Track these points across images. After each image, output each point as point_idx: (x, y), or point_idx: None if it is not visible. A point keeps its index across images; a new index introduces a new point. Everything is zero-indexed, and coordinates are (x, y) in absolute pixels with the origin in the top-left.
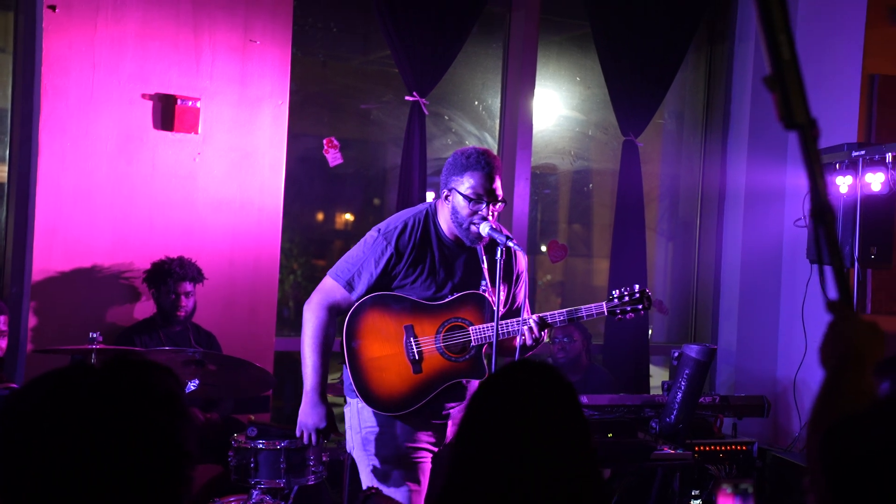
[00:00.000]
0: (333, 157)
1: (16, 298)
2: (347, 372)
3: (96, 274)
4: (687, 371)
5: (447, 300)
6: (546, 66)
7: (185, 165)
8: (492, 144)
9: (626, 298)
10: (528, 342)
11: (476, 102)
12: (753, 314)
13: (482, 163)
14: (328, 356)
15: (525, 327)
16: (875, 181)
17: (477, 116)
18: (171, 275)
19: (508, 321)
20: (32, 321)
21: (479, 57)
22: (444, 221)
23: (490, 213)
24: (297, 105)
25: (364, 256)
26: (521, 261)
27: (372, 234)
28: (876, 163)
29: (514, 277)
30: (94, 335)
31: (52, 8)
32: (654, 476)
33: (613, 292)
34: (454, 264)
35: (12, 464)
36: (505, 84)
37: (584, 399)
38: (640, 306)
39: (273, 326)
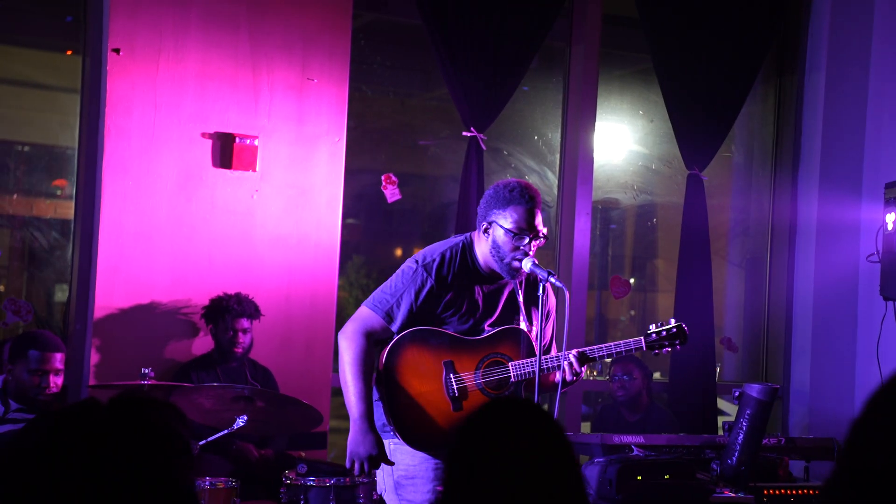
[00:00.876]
0: (391, 193)
1: (79, 335)
2: (381, 410)
3: (156, 310)
4: (748, 411)
5: (486, 335)
6: (608, 99)
7: (243, 202)
8: (552, 179)
9: (664, 334)
10: (569, 377)
11: (536, 137)
12: (827, 353)
13: (526, 197)
14: (371, 383)
15: (565, 363)
16: None
17: (537, 151)
18: (228, 311)
19: (548, 356)
20: (95, 357)
21: (538, 91)
22: (481, 254)
23: (531, 248)
24: (357, 141)
25: (403, 287)
26: (552, 298)
27: (410, 265)
28: None
29: (545, 314)
30: (146, 370)
31: (117, 51)
32: None
33: (651, 327)
34: (491, 298)
35: (12, 500)
36: (565, 118)
37: (641, 439)
38: (677, 341)
39: (330, 363)
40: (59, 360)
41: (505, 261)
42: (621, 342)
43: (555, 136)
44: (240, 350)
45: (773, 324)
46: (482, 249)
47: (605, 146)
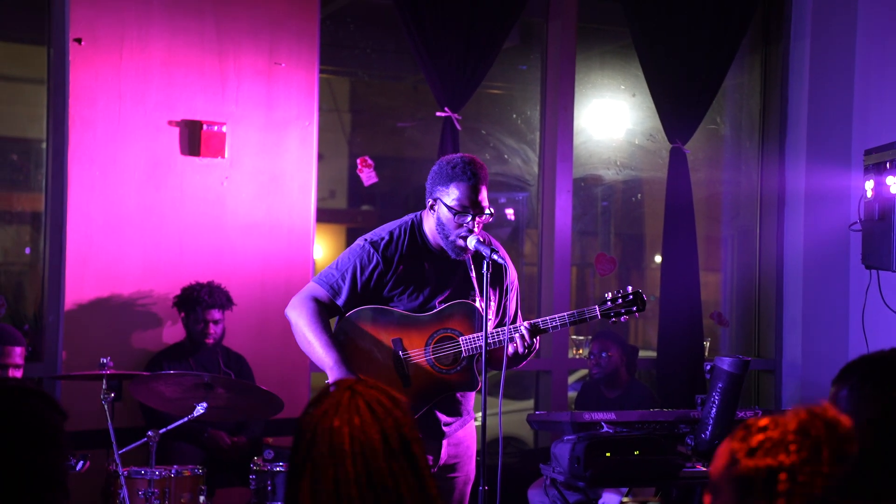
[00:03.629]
0: (368, 176)
1: (52, 327)
2: None
3: (127, 300)
4: (720, 384)
5: (435, 311)
6: (588, 75)
7: (213, 190)
8: (532, 158)
9: (620, 301)
10: (521, 350)
11: (514, 115)
12: (819, 325)
13: (468, 173)
14: (332, 335)
15: (517, 335)
16: None
17: (516, 130)
18: (199, 303)
19: (499, 329)
20: (67, 349)
21: (517, 69)
22: (430, 232)
23: (476, 225)
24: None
25: (349, 263)
26: (511, 272)
27: (359, 242)
28: None
29: (504, 289)
30: (105, 360)
31: (78, 41)
32: (694, 494)
33: (607, 295)
34: (442, 275)
35: None
36: (544, 95)
37: (613, 415)
38: (634, 308)
39: None
40: (18, 354)
41: (450, 238)
42: (575, 311)
43: (534, 114)
44: (211, 341)
45: (764, 297)
46: (430, 226)
47: (587, 122)
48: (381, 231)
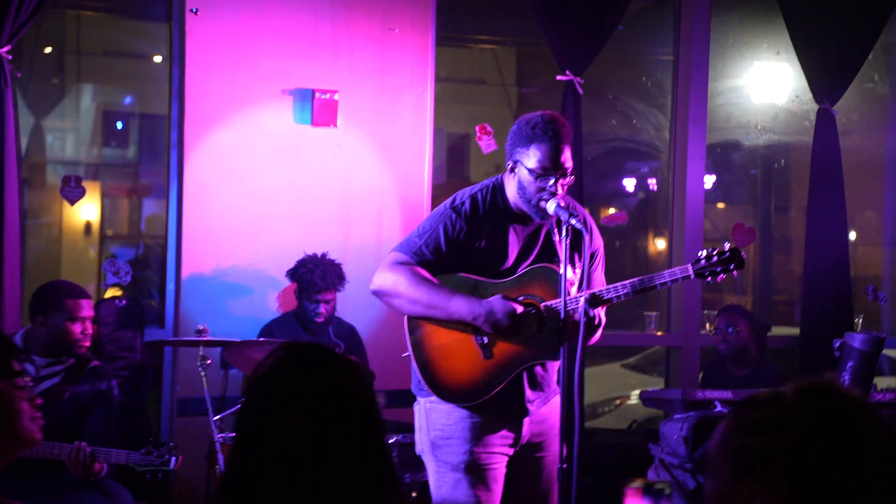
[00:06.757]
0: (487, 143)
1: (171, 295)
2: (414, 366)
3: (240, 269)
4: (850, 363)
5: (515, 276)
6: (725, 34)
7: (326, 159)
8: (663, 122)
9: (715, 259)
10: (582, 321)
11: (644, 78)
12: None
13: (549, 133)
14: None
15: (578, 306)
16: None
17: (646, 93)
18: (313, 285)
19: (573, 297)
20: (182, 315)
21: (648, 29)
22: (511, 195)
23: (559, 188)
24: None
25: (431, 228)
26: (597, 239)
27: (440, 208)
28: None
29: (590, 257)
30: (202, 327)
31: (194, 11)
32: None
33: (700, 252)
34: (525, 240)
35: None
36: (677, 55)
37: (729, 394)
38: (732, 266)
39: None
40: (91, 307)
41: (532, 202)
42: (655, 275)
43: (666, 77)
44: (321, 320)
45: None
46: (511, 190)
47: (724, 84)
48: (463, 195)
